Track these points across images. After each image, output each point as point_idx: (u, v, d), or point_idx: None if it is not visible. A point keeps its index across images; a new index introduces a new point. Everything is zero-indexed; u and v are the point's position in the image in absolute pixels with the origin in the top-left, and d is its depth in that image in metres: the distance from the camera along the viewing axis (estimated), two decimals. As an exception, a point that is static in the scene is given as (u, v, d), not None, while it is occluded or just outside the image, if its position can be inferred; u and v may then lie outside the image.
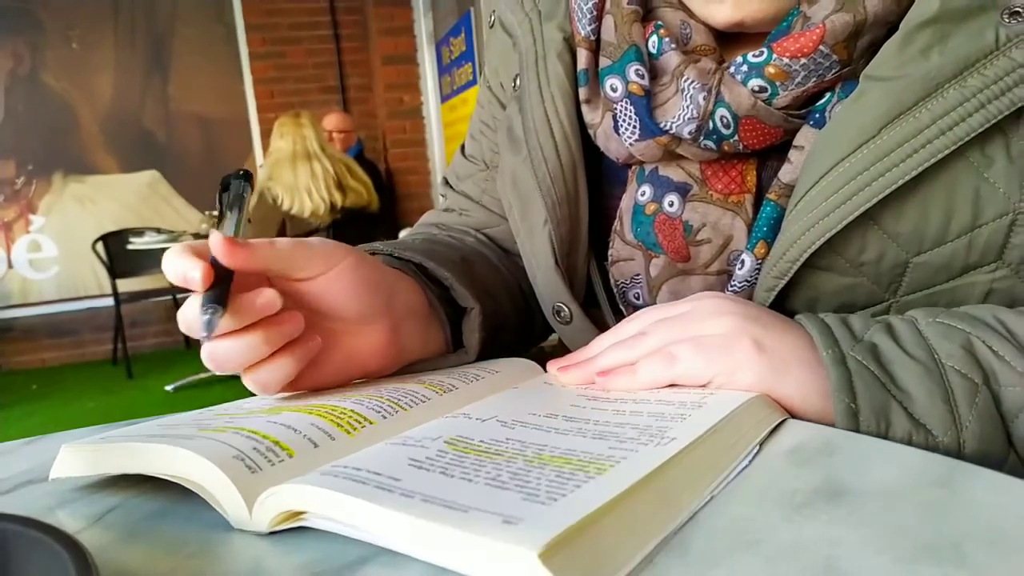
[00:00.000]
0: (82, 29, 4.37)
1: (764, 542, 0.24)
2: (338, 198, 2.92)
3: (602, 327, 0.53)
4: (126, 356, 4.09)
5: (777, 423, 0.35)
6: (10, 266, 4.41)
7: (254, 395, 0.41)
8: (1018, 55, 0.35)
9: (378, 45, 4.49)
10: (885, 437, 0.33)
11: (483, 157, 0.65)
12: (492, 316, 0.51)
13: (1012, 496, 0.26)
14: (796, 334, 0.38)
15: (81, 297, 4.51)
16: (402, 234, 0.72)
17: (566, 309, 0.53)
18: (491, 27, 0.63)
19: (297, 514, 0.27)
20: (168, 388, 3.60)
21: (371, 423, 0.35)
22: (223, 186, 0.44)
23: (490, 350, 0.51)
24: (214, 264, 0.36)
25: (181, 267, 0.35)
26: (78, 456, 0.33)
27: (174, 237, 3.84)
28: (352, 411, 0.36)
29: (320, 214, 2.87)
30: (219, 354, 0.37)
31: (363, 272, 0.43)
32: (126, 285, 4.14)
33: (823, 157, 0.40)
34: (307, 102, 4.58)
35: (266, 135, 4.15)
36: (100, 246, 4.08)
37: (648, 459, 0.28)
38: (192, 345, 4.63)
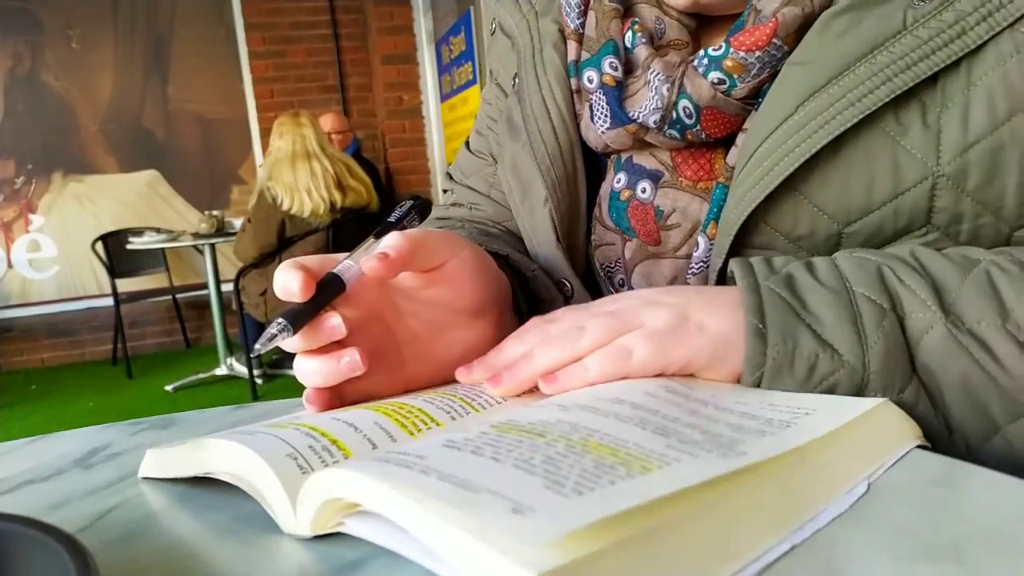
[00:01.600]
0: (82, 28, 4.37)
1: (763, 541, 0.24)
2: (338, 198, 2.92)
3: None
4: (126, 356, 4.09)
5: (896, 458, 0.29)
6: (10, 266, 4.41)
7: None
8: (923, 33, 0.39)
9: (378, 44, 4.49)
10: (792, 359, 0.35)
11: (490, 151, 0.66)
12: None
13: (1011, 496, 0.26)
14: (729, 302, 0.38)
15: (81, 297, 4.51)
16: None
17: (568, 285, 0.54)
18: (493, 34, 0.66)
19: (339, 509, 0.26)
20: (168, 388, 3.59)
21: (438, 424, 0.34)
22: (400, 204, 0.46)
23: None
24: (326, 282, 0.38)
25: (283, 279, 0.37)
26: (158, 459, 0.34)
27: (173, 237, 3.84)
28: (420, 410, 0.35)
29: (320, 213, 2.87)
30: (301, 369, 0.39)
31: (480, 261, 0.43)
32: (125, 285, 4.15)
33: (753, 137, 0.43)
34: (307, 101, 4.58)
35: (266, 134, 4.15)
36: (100, 246, 4.08)
37: (706, 467, 0.24)
38: (192, 345, 4.63)
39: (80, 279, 4.50)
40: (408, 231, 0.39)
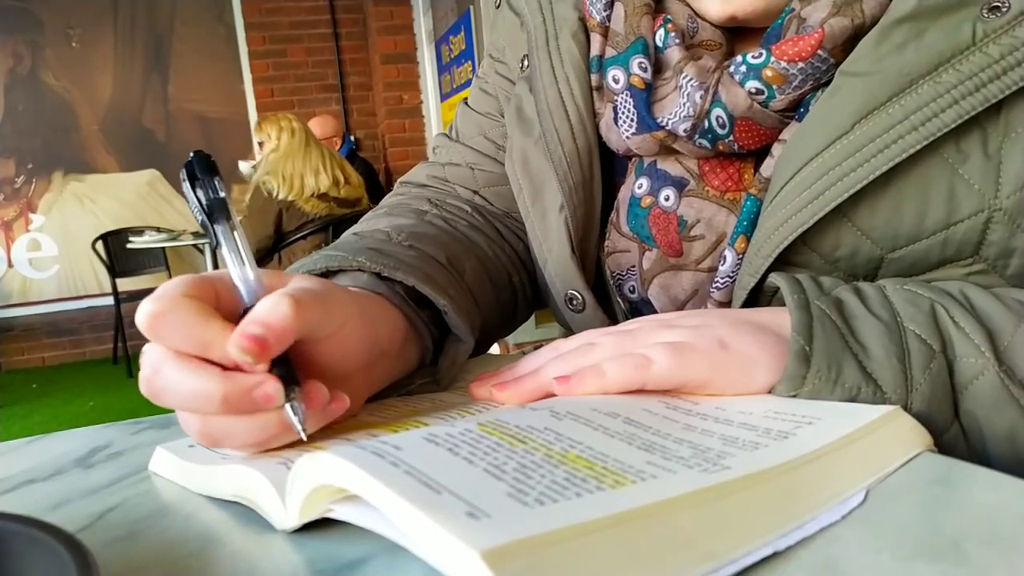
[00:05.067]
0: (82, 28, 4.37)
1: (763, 541, 0.24)
2: (340, 179, 2.93)
3: (612, 317, 0.53)
4: (126, 355, 4.09)
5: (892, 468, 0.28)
6: (10, 265, 4.41)
7: None
8: (993, 51, 0.35)
9: (378, 43, 4.49)
10: (832, 388, 0.33)
11: (502, 112, 0.62)
12: (477, 333, 0.48)
13: (1011, 495, 0.26)
14: (752, 323, 0.37)
15: (81, 296, 4.51)
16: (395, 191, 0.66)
17: (579, 297, 0.52)
18: (497, 7, 0.62)
19: (325, 496, 0.26)
20: (168, 387, 3.59)
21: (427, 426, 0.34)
22: (189, 177, 0.35)
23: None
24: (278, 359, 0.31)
25: (224, 387, 0.30)
26: (169, 461, 0.34)
27: (174, 236, 3.84)
28: (416, 421, 0.35)
29: (324, 189, 2.87)
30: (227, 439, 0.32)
31: (363, 333, 0.37)
32: (126, 284, 4.15)
33: (798, 153, 0.40)
34: (307, 100, 4.58)
35: (266, 134, 4.15)
36: (100, 245, 4.08)
37: (681, 483, 0.24)
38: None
39: (81, 278, 4.50)
40: (293, 294, 0.31)
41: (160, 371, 0.31)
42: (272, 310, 0.31)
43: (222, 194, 0.35)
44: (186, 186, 0.35)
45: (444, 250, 0.50)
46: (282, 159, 2.87)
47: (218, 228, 0.34)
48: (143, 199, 4.55)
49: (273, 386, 0.30)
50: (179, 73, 4.55)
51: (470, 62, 3.70)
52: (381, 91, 4.58)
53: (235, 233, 0.34)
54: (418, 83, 4.56)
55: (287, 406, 0.31)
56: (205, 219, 0.34)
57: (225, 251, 0.34)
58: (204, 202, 0.34)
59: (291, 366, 0.32)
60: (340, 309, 0.35)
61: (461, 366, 0.45)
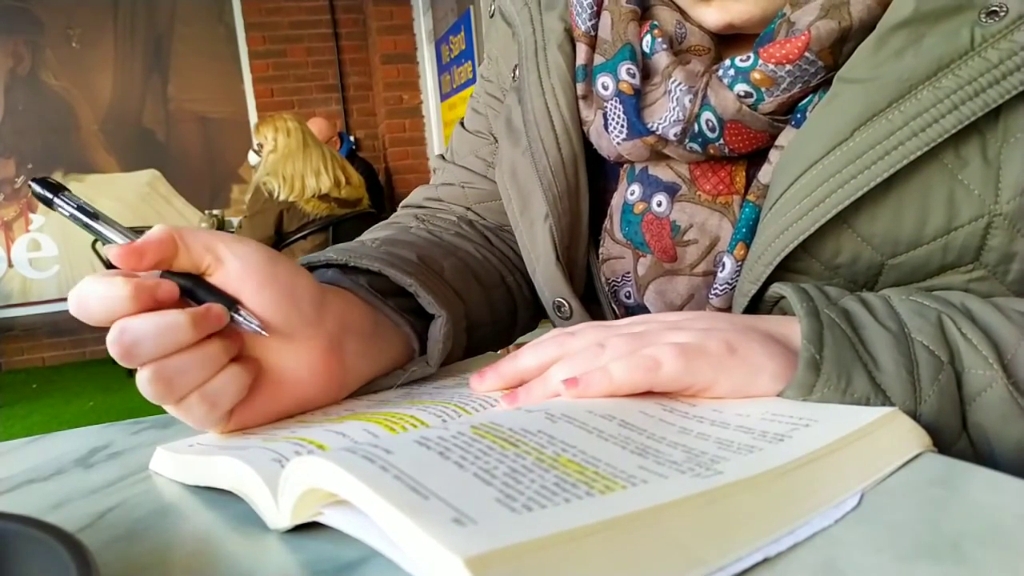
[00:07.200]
0: (82, 28, 4.37)
1: (763, 541, 0.24)
2: (342, 179, 2.93)
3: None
4: (126, 355, 4.09)
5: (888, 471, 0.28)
6: (10, 265, 4.41)
7: None
8: (992, 55, 0.35)
9: (378, 43, 4.49)
10: (842, 396, 0.32)
11: (489, 130, 0.63)
12: (461, 320, 0.49)
13: (1011, 495, 0.26)
14: (759, 330, 0.37)
15: (81, 296, 4.51)
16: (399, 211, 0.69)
17: (566, 304, 0.52)
18: (491, 16, 0.63)
19: (317, 500, 0.26)
20: (168, 387, 3.59)
21: (426, 425, 0.33)
22: (42, 198, 0.38)
23: (465, 352, 0.51)
24: (177, 279, 0.36)
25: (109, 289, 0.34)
26: (168, 459, 0.35)
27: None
28: (412, 416, 0.35)
29: (326, 190, 2.87)
30: (172, 371, 0.34)
31: (276, 272, 0.38)
32: (126, 284, 4.15)
33: (797, 159, 0.40)
34: (307, 100, 4.59)
35: (266, 134, 4.14)
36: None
37: (672, 488, 0.24)
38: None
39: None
40: (181, 228, 0.36)
41: (83, 286, 0.35)
42: (150, 231, 0.36)
43: (82, 199, 0.39)
44: (65, 208, 0.38)
45: (418, 252, 0.51)
46: (281, 160, 2.86)
47: (102, 225, 0.38)
48: (143, 199, 4.55)
49: (170, 284, 0.35)
50: (179, 73, 4.55)
51: (470, 62, 3.70)
52: (381, 91, 4.58)
53: (113, 225, 0.38)
54: (418, 83, 4.56)
55: (241, 322, 0.36)
56: (89, 222, 0.38)
57: (115, 236, 0.38)
58: (81, 211, 0.38)
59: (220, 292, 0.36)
60: (236, 239, 0.38)
61: (447, 344, 0.46)
